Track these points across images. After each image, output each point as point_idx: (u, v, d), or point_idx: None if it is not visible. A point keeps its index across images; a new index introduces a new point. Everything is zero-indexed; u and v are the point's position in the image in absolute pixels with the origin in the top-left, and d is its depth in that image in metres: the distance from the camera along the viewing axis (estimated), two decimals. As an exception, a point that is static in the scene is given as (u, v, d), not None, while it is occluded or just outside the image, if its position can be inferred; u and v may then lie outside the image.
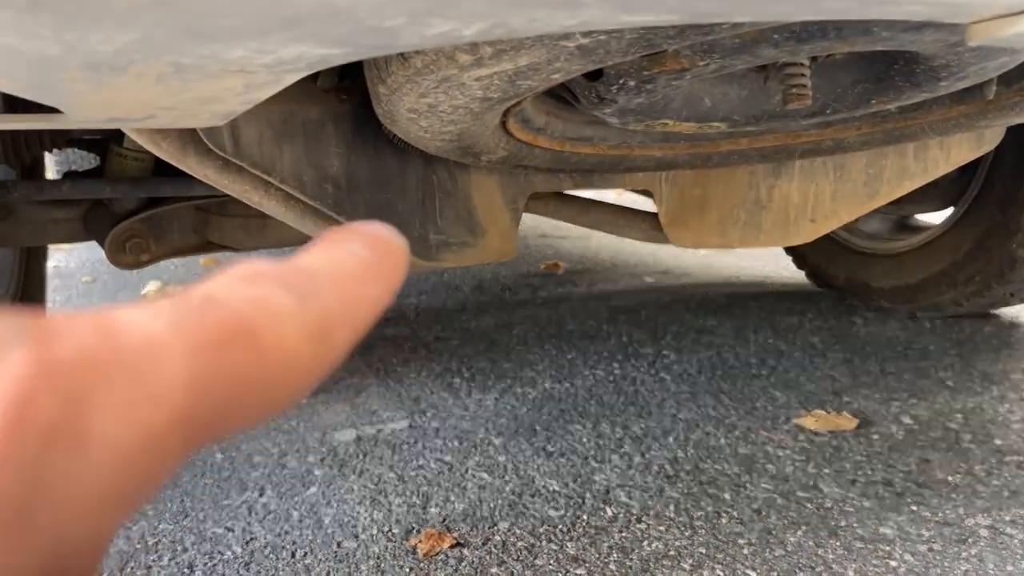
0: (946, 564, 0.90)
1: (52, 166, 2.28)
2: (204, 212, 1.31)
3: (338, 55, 0.49)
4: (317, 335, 0.15)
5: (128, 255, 1.24)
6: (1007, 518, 0.99)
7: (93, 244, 1.38)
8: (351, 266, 0.16)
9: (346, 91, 1.06)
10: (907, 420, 1.27)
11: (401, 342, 1.74)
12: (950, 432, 1.22)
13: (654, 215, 1.40)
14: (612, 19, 0.38)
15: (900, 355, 1.57)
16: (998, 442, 1.19)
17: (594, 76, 0.89)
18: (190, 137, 0.95)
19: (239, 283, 0.14)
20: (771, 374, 1.48)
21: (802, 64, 0.92)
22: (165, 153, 0.95)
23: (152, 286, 2.30)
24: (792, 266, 2.15)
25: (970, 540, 0.94)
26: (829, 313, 1.88)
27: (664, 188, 1.38)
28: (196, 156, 0.96)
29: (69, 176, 1.33)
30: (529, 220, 3.47)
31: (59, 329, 0.12)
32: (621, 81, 0.86)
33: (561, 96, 0.98)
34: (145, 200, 1.28)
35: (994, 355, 1.56)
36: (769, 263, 2.55)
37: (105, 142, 1.30)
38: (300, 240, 1.40)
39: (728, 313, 1.90)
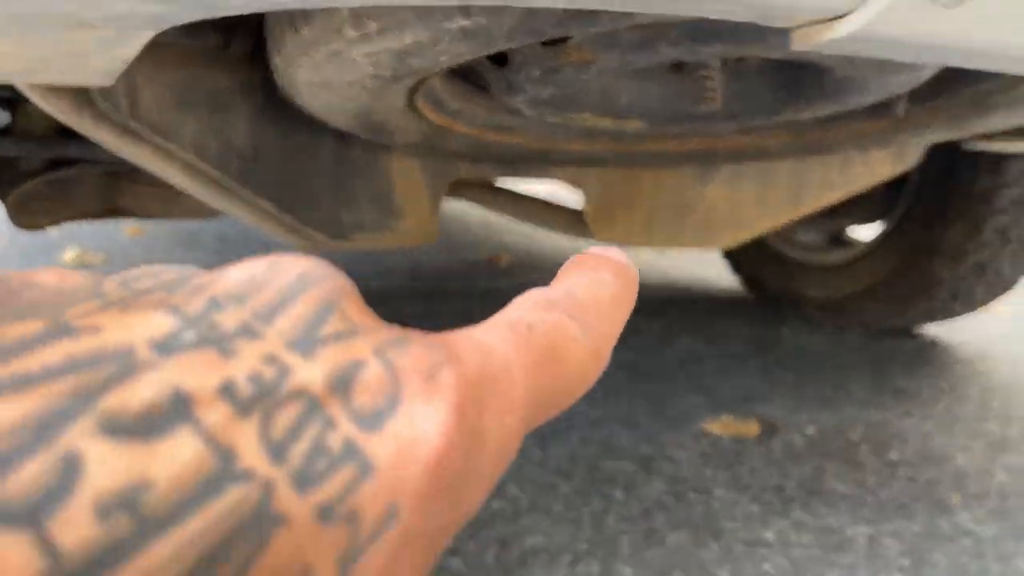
0: (817, 570, 0.90)
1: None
2: (115, 178, 1.27)
3: (171, 13, 0.47)
4: (595, 355, 0.19)
5: (29, 216, 1.20)
6: (889, 529, 1.00)
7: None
8: (609, 295, 0.20)
9: (260, 60, 1.04)
10: (810, 430, 1.28)
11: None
12: (850, 443, 1.24)
13: (580, 212, 1.40)
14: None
15: (818, 367, 1.59)
16: (894, 456, 1.20)
17: (501, 63, 0.88)
18: (85, 98, 0.92)
19: (541, 310, 0.19)
20: (687, 378, 1.49)
21: (710, 67, 0.92)
22: (59, 112, 0.92)
23: (71, 252, 2.24)
24: (731, 273, 2.16)
25: (847, 548, 0.95)
26: (759, 322, 1.89)
27: (592, 184, 1.37)
28: (91, 118, 0.93)
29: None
30: (479, 211, 3.46)
31: (462, 350, 0.16)
32: (526, 70, 0.85)
33: (477, 82, 0.97)
34: (53, 161, 1.24)
35: (909, 372, 1.59)
36: (720, 269, 2.56)
37: (16, 100, 1.26)
38: (212, 213, 1.37)
39: (660, 315, 1.91)
